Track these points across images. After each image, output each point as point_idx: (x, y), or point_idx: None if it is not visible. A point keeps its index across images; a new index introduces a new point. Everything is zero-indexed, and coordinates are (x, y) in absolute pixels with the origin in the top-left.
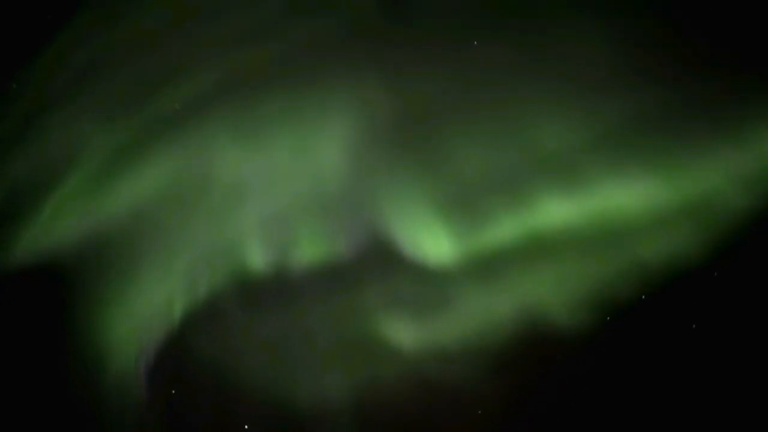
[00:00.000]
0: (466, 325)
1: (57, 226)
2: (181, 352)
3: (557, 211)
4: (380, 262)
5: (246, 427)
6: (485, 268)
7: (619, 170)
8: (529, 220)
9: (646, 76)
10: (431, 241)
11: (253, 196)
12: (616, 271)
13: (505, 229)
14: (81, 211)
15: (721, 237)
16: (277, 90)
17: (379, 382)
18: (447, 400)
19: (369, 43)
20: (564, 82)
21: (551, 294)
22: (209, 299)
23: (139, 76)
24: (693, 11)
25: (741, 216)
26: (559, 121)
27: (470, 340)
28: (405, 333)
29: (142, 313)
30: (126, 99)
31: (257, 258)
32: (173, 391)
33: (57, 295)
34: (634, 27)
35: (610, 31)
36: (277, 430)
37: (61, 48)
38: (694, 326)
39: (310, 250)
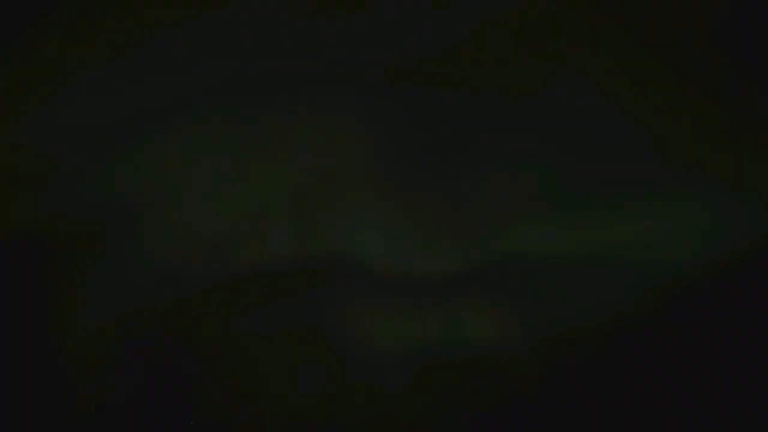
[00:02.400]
0: (416, 337)
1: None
2: (145, 340)
3: (519, 242)
4: (349, 266)
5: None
6: (450, 284)
7: (575, 208)
8: (492, 246)
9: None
10: (402, 252)
11: (235, 192)
12: (564, 310)
13: (471, 251)
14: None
15: (662, 291)
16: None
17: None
18: (376, 411)
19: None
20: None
21: (499, 322)
22: (183, 292)
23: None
24: (666, 56)
25: (683, 271)
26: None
27: (410, 354)
28: (361, 337)
29: (116, 297)
30: (116, 89)
31: (238, 252)
32: (123, 373)
33: (30, 271)
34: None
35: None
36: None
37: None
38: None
39: (285, 247)
